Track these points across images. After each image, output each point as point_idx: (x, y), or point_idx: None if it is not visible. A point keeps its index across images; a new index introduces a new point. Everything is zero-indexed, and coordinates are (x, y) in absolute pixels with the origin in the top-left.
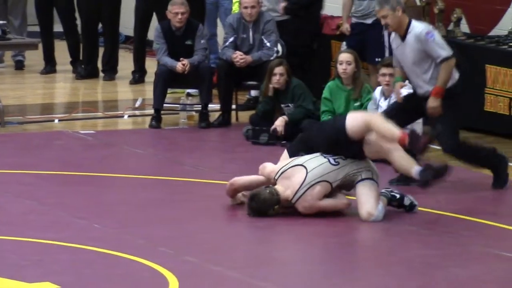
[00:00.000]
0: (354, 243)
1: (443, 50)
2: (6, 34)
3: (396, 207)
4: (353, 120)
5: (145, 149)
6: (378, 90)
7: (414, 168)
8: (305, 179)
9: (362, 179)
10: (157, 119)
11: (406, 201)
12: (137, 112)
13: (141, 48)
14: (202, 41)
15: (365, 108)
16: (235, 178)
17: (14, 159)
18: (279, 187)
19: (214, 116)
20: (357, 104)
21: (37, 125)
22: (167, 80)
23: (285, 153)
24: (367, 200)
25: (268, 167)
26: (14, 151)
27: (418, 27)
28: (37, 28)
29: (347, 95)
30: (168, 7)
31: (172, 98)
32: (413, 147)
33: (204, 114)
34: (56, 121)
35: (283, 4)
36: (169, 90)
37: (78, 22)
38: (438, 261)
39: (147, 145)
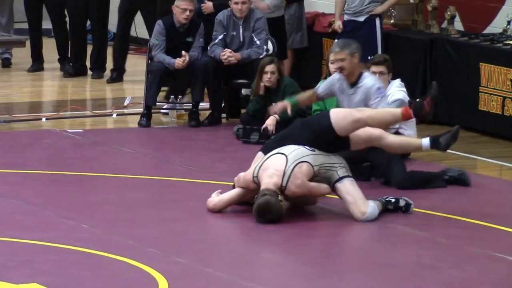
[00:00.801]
0: (345, 244)
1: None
2: None
3: (393, 210)
4: (340, 118)
5: (134, 148)
6: None
7: (421, 141)
8: (287, 161)
9: (340, 178)
10: (147, 117)
11: (401, 203)
12: (126, 111)
13: (123, 46)
14: (201, 39)
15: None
16: (213, 199)
17: (0, 159)
18: (265, 181)
19: (204, 115)
20: None
21: (25, 123)
22: (163, 77)
23: (258, 157)
24: (354, 199)
25: (242, 174)
26: (1, 150)
27: (370, 81)
28: (24, 25)
29: None
30: (176, 2)
31: (160, 96)
32: (420, 115)
33: (193, 112)
34: (44, 119)
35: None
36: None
37: (67, 19)
38: (432, 262)
39: (136, 144)
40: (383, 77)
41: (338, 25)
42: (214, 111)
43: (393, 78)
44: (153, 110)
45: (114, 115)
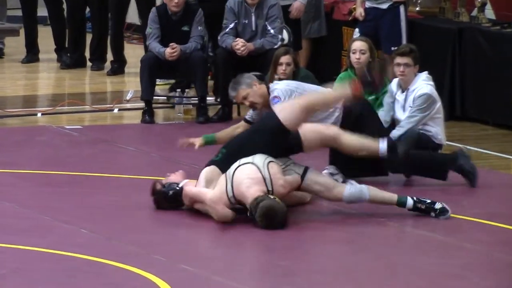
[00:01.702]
0: (366, 250)
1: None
2: None
3: (424, 211)
4: (287, 113)
5: (137, 146)
6: (394, 82)
7: (378, 145)
8: (257, 167)
9: (303, 174)
10: (149, 113)
11: (438, 205)
12: (128, 106)
13: (118, 34)
14: (200, 28)
15: (381, 102)
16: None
17: None
18: (250, 193)
19: (213, 111)
20: (372, 97)
21: (18, 119)
22: (154, 68)
23: (206, 176)
24: (324, 183)
25: (208, 195)
26: None
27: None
28: (18, 12)
29: None
30: None
31: (166, 90)
32: (370, 87)
33: (202, 108)
34: (39, 115)
35: None
36: (162, 81)
37: (64, 6)
38: (459, 271)
39: (140, 142)
40: (408, 69)
41: (359, 12)
42: (224, 106)
43: (420, 71)
44: (160, 105)
45: (115, 110)
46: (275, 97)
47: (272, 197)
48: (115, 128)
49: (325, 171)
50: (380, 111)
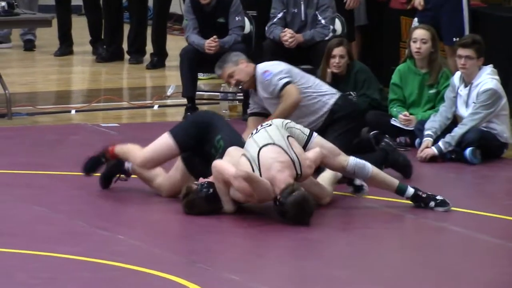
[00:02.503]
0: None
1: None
2: (14, 9)
3: (424, 201)
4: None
5: None
6: (457, 75)
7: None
8: (283, 148)
9: (309, 137)
10: (192, 110)
11: (438, 197)
12: (169, 102)
13: (160, 25)
14: (238, 18)
15: (442, 97)
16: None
17: (22, 158)
18: (279, 179)
19: None
20: (433, 91)
21: (50, 117)
22: (194, 62)
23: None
24: (330, 148)
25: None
26: (23, 147)
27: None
28: (50, 1)
29: (421, 80)
30: None
31: (210, 85)
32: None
33: (248, 104)
34: (73, 112)
35: None
36: (206, 75)
37: None
38: None
39: None
40: (470, 62)
41: (418, 1)
42: None
43: (485, 64)
44: (204, 101)
45: (155, 107)
46: (266, 71)
47: (297, 186)
48: (155, 126)
49: None
50: (441, 107)
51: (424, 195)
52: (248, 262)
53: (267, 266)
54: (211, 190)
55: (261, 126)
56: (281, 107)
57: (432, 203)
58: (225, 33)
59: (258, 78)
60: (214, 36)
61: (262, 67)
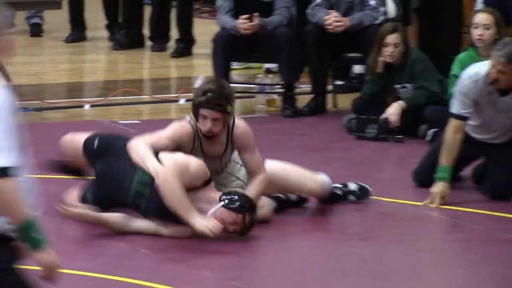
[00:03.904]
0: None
1: None
2: None
3: (343, 197)
4: None
5: None
6: None
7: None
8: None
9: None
10: None
11: (352, 186)
12: None
13: (187, 6)
14: None
15: None
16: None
17: (28, 159)
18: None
19: (303, 101)
20: None
21: (61, 112)
22: (228, 48)
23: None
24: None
25: None
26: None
27: None
28: None
29: None
30: None
31: (245, 75)
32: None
33: (289, 98)
34: (87, 107)
35: None
36: (240, 65)
37: None
38: None
39: None
40: None
41: None
42: (317, 96)
43: None
44: (238, 94)
45: (181, 101)
46: None
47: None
48: None
49: None
50: None
51: (340, 193)
52: (287, 279)
53: (307, 285)
54: (236, 197)
55: None
56: None
57: (352, 199)
58: (269, 14)
59: None
60: (256, 14)
61: None
